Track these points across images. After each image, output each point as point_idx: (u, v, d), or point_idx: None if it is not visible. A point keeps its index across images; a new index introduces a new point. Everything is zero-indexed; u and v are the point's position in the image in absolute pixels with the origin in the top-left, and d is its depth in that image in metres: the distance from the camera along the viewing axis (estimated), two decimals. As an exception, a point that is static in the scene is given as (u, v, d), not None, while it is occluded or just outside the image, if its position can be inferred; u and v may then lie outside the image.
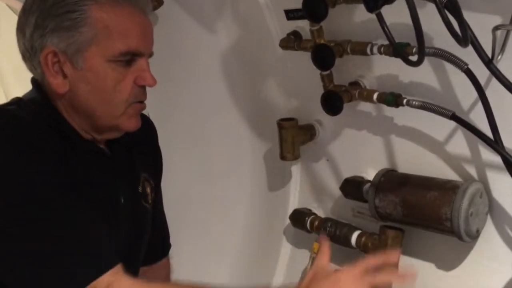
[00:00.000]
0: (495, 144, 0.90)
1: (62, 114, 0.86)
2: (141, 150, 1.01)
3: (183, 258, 1.22)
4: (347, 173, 1.25)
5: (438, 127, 1.05)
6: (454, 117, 0.96)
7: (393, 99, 1.05)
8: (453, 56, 0.91)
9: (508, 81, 0.87)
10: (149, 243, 1.01)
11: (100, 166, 0.90)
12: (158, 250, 1.12)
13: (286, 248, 1.42)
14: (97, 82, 0.84)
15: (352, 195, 1.17)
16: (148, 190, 1.04)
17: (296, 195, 1.41)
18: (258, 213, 1.44)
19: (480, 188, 0.97)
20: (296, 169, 1.40)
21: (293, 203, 1.40)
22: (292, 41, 1.18)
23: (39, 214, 0.77)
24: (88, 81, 0.82)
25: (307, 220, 1.27)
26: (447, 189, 0.97)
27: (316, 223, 1.25)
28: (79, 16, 0.80)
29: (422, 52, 0.85)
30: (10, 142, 0.78)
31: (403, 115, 1.11)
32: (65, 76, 0.82)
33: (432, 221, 0.99)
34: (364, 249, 1.14)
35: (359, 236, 1.15)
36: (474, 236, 0.97)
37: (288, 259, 1.40)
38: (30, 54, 0.83)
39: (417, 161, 1.11)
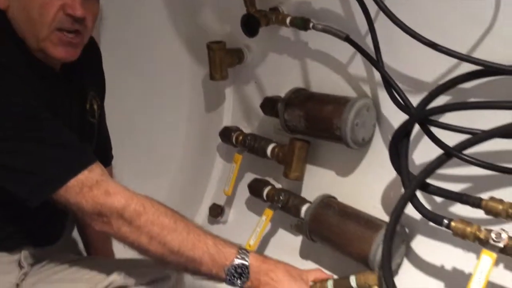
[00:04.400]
0: (376, 63, 1.03)
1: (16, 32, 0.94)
2: (88, 71, 1.12)
3: (125, 171, 1.37)
4: (270, 94, 1.38)
5: (342, 50, 1.17)
6: (347, 39, 1.08)
7: (302, 23, 1.16)
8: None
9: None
10: (95, 153, 1.12)
11: (53, 84, 1.01)
12: (102, 160, 1.25)
13: (218, 163, 1.58)
14: (25, 0, 0.92)
15: (269, 112, 1.31)
16: (95, 107, 1.17)
17: (229, 115, 1.54)
18: (195, 132, 1.58)
19: (368, 103, 1.11)
20: (229, 91, 1.53)
21: (227, 122, 1.54)
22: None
23: (27, 121, 0.88)
24: None
25: (233, 135, 1.41)
26: (341, 103, 1.11)
27: (240, 138, 1.39)
28: None
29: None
30: None
31: (315, 40, 1.23)
32: None
33: (326, 131, 1.13)
34: (277, 159, 1.29)
35: (273, 148, 1.30)
36: (360, 144, 1.12)
37: (220, 172, 1.55)
38: None
39: (324, 81, 1.24)
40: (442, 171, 1.01)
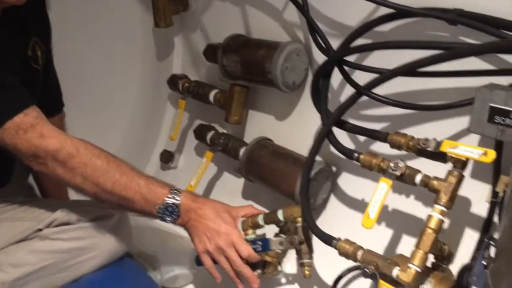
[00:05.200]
0: (302, 7, 1.07)
1: None
2: (31, 16, 1.12)
3: (77, 120, 1.40)
4: (215, 41, 1.41)
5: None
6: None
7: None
8: None
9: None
10: (43, 100, 1.12)
11: None
12: (51, 107, 1.27)
13: (169, 111, 1.62)
14: None
15: (212, 59, 1.34)
16: (39, 53, 1.17)
17: (178, 63, 1.58)
18: (146, 80, 1.61)
19: (298, 47, 1.15)
20: (177, 40, 1.56)
21: (176, 70, 1.58)
22: None
23: None
24: None
25: (180, 83, 1.45)
26: (272, 48, 1.15)
27: (186, 85, 1.43)
28: None
29: None
30: None
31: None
32: None
33: (260, 75, 1.18)
34: (219, 104, 1.34)
35: (215, 94, 1.35)
36: (291, 87, 1.17)
37: (171, 120, 1.60)
38: None
39: (262, 27, 1.27)
40: (361, 111, 1.08)
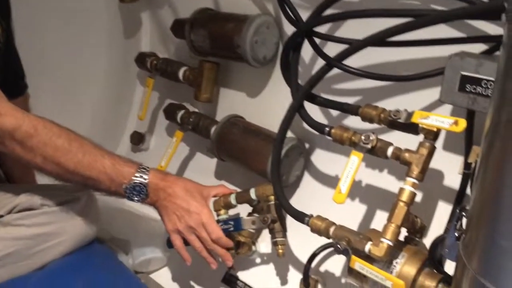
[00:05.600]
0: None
1: None
2: None
3: (44, 102, 1.34)
4: (184, 16, 1.35)
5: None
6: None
7: None
8: None
9: None
10: (3, 80, 1.08)
11: None
12: (13, 88, 1.22)
13: (139, 90, 1.57)
14: None
15: (180, 35, 1.29)
16: None
17: (147, 41, 1.53)
18: (115, 59, 1.55)
19: (268, 20, 1.11)
20: (145, 16, 1.50)
21: (145, 48, 1.52)
22: None
23: None
24: None
25: (148, 61, 1.40)
26: (241, 21, 1.11)
27: (154, 63, 1.38)
28: None
29: None
30: None
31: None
32: None
33: (229, 50, 1.13)
34: (188, 82, 1.30)
35: (184, 71, 1.30)
36: (262, 62, 1.13)
37: (141, 99, 1.55)
38: None
39: (231, 0, 1.23)
40: (333, 85, 1.05)
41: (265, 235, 1.17)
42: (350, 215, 1.00)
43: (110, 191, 0.99)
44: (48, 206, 1.05)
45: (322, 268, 1.06)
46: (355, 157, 0.81)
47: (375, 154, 0.83)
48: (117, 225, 1.28)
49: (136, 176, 0.97)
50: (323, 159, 1.11)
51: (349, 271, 0.85)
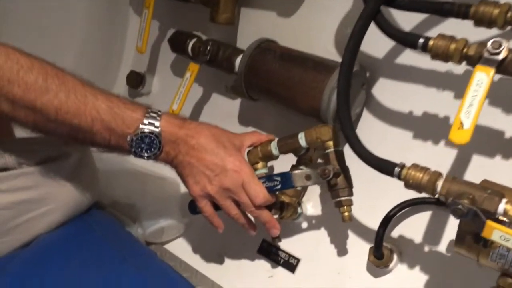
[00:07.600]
0: None
1: None
2: None
3: (22, 35, 1.09)
4: None
5: None
6: None
7: None
8: None
9: None
10: None
11: None
12: None
13: (133, 21, 1.26)
14: None
15: None
16: None
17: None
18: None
19: None
20: None
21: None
22: None
23: None
24: None
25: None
26: None
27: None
28: None
29: None
30: None
31: None
32: None
33: None
34: (201, 0, 1.00)
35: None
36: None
37: (137, 32, 1.24)
38: None
39: None
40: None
41: (311, 192, 0.93)
42: (436, 165, 0.73)
43: (109, 146, 0.72)
44: (27, 165, 0.79)
45: (394, 233, 0.81)
46: (482, 74, 0.54)
47: (506, 71, 0.56)
48: (119, 186, 1.02)
49: (145, 124, 0.71)
50: (391, 91, 0.84)
51: (458, 239, 0.60)
